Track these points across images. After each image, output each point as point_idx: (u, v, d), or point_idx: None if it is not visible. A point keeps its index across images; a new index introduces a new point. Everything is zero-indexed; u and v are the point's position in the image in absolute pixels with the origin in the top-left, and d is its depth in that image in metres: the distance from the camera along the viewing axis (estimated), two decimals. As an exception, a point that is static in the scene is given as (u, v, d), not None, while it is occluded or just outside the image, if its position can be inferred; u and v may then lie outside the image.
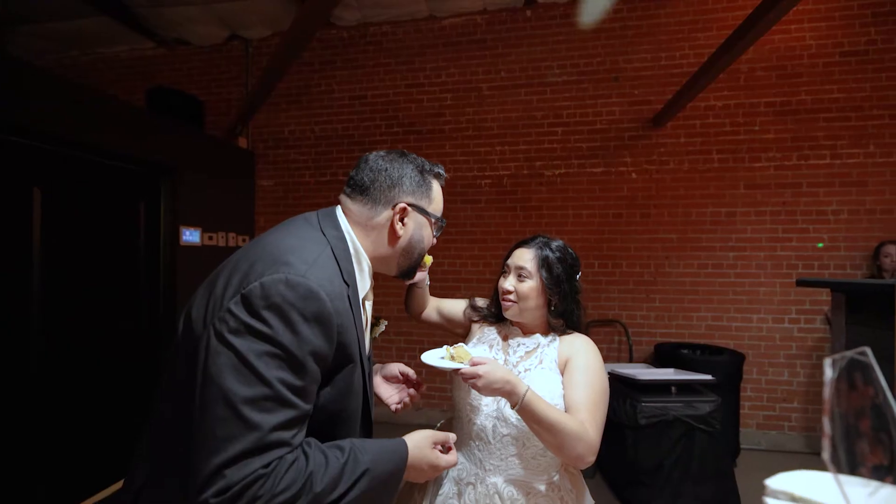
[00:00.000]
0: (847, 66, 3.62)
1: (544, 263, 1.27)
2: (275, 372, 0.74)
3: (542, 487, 1.21)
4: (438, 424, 1.49)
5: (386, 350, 4.32)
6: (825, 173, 3.65)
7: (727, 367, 3.35)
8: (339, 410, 0.87)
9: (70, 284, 2.64)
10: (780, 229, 3.72)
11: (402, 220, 0.97)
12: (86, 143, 2.70)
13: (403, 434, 0.94)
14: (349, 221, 0.97)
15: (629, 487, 2.73)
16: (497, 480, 1.19)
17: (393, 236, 0.98)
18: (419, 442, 0.93)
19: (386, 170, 0.97)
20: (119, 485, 1.47)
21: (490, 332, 1.40)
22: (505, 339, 1.36)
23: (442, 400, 4.18)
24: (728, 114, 3.80)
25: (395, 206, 0.96)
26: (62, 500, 2.54)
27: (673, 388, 2.75)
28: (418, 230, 1.01)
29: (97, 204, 2.82)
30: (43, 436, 2.48)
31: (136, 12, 4.29)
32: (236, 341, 0.74)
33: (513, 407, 1.09)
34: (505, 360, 1.31)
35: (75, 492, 2.62)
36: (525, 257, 1.29)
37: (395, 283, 4.32)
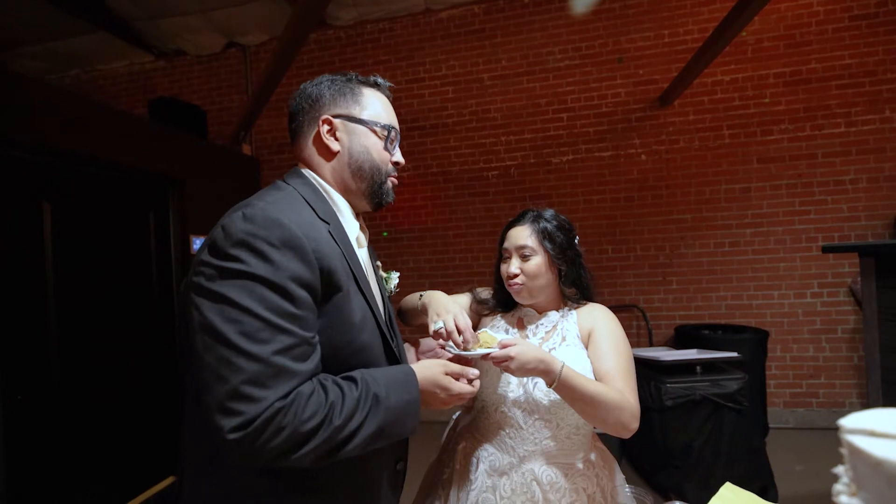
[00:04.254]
0: (857, 31, 3.52)
1: (545, 235, 1.22)
2: (259, 303, 0.73)
3: (580, 465, 1.17)
4: (454, 416, 1.42)
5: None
6: (840, 142, 3.55)
7: (751, 345, 3.27)
8: (346, 344, 0.85)
9: (83, 297, 2.63)
10: (797, 202, 3.64)
11: (332, 134, 0.94)
12: (92, 156, 2.70)
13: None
14: (304, 166, 0.98)
15: (659, 472, 2.67)
16: (533, 466, 1.14)
17: (326, 151, 0.94)
18: (428, 365, 0.92)
19: (305, 90, 0.96)
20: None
21: (501, 321, 1.34)
22: (520, 322, 1.31)
23: (461, 395, 4.13)
24: (736, 87, 3.72)
25: (320, 123, 0.94)
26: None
27: (698, 368, 2.69)
28: (357, 140, 0.95)
29: (106, 216, 2.82)
30: (69, 445, 2.49)
31: (133, 26, 4.31)
32: (215, 286, 0.74)
33: (549, 385, 1.05)
34: None
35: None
36: (523, 235, 1.24)
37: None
